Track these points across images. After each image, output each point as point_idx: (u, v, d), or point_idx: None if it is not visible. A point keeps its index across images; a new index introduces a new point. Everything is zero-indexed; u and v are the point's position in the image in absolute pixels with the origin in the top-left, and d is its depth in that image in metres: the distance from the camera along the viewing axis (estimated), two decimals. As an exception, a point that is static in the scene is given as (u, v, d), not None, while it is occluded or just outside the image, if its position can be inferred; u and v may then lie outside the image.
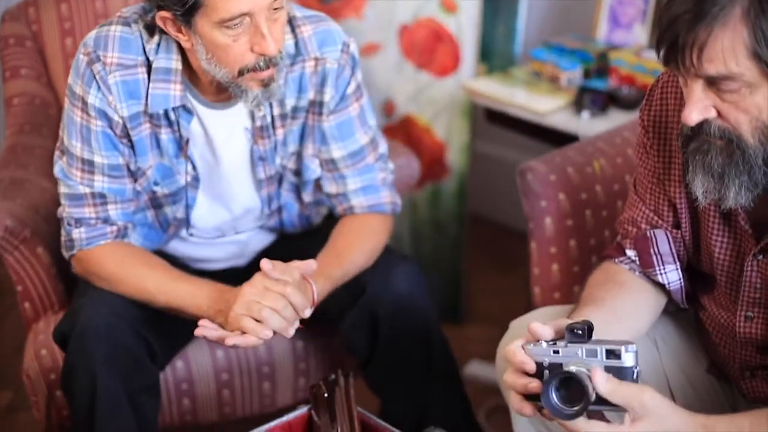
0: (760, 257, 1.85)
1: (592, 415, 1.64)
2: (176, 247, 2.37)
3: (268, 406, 2.48)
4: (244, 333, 2.04)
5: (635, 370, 1.65)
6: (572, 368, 1.64)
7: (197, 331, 2.06)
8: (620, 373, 1.64)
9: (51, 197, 2.51)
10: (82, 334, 2.12)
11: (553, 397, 1.63)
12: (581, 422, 1.62)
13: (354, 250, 2.27)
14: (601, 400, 1.63)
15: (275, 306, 2.04)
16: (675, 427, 1.61)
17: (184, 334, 2.34)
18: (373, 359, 2.32)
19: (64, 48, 2.75)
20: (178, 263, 2.33)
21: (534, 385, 1.67)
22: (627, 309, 1.94)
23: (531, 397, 1.70)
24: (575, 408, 1.62)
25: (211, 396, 2.42)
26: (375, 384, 2.38)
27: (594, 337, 1.70)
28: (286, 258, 2.35)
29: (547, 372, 1.68)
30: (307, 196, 2.36)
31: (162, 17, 2.06)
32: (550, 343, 1.69)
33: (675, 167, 1.93)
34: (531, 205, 2.42)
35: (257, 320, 2.03)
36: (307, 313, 2.09)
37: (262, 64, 2.07)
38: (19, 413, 2.89)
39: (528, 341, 1.71)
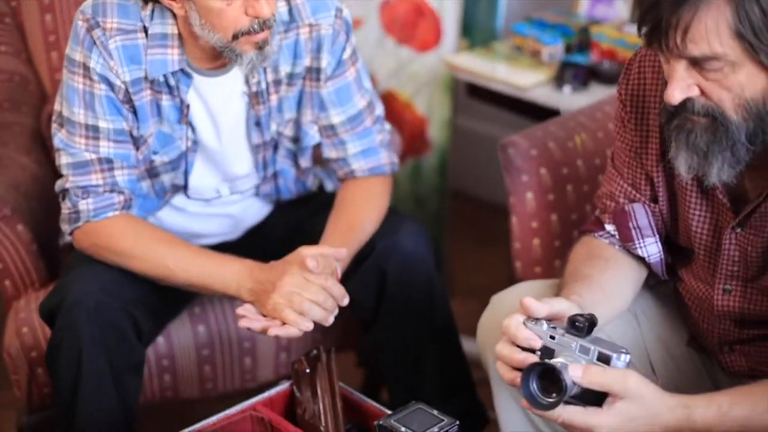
0: (738, 230, 1.85)
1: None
2: (169, 220, 2.36)
3: (250, 382, 2.48)
4: (284, 323, 2.05)
5: None
6: (557, 361, 1.63)
7: (242, 322, 2.07)
8: None
9: (31, 174, 2.50)
10: (70, 311, 2.11)
11: (533, 385, 1.63)
12: (558, 410, 1.62)
13: (365, 220, 2.29)
14: (580, 396, 1.64)
15: (317, 299, 2.05)
16: (654, 409, 1.61)
17: (172, 313, 2.35)
18: (378, 317, 2.34)
19: (44, 24, 2.73)
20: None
21: (532, 359, 1.68)
22: (613, 285, 1.95)
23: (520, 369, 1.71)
24: (551, 399, 1.62)
25: (192, 372, 2.41)
26: (377, 345, 2.40)
27: (594, 330, 1.69)
28: (281, 232, 2.36)
29: (539, 353, 1.68)
30: (305, 162, 2.37)
31: None
32: (551, 326, 1.69)
33: (652, 141, 1.93)
34: (512, 179, 2.42)
35: (298, 312, 2.04)
36: (345, 301, 2.10)
37: (256, 26, 2.07)
38: (0, 392, 2.89)
39: (529, 318, 1.72)
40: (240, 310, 2.08)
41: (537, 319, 1.70)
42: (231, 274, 2.13)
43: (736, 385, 1.73)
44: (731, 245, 1.87)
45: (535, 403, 1.63)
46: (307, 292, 2.05)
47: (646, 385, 1.61)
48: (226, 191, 2.34)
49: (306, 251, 2.10)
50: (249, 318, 2.08)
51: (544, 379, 1.63)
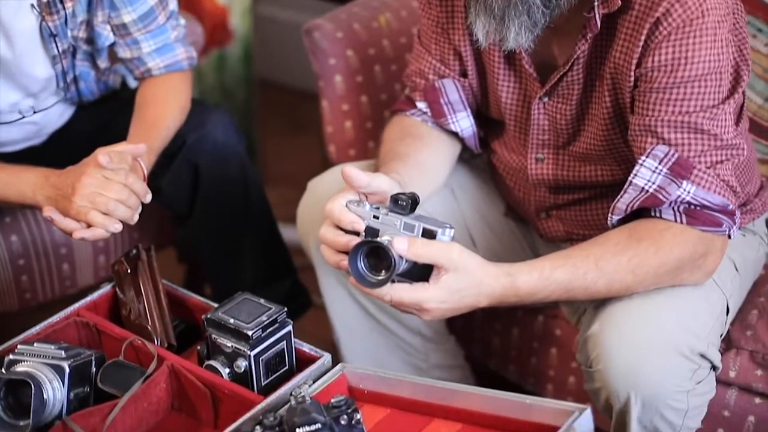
0: (546, 99, 1.90)
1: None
2: (-30, 133, 2.27)
3: (70, 288, 2.44)
4: (89, 226, 1.99)
5: None
6: (383, 239, 1.64)
7: (46, 211, 1.99)
8: None
9: None
10: None
11: (361, 265, 1.64)
12: (385, 288, 1.64)
13: (167, 117, 2.24)
14: (408, 273, 1.66)
15: (120, 197, 1.99)
16: (478, 278, 1.65)
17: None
18: (194, 212, 2.32)
19: None
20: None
21: (356, 241, 1.69)
22: (429, 162, 1.98)
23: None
24: (380, 277, 1.63)
25: (8, 283, 2.36)
26: (194, 240, 2.39)
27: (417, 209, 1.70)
28: (86, 133, 2.29)
29: (363, 234, 1.69)
30: (103, 63, 2.30)
31: None
32: (374, 206, 1.70)
33: (457, 14, 1.94)
34: (319, 63, 2.41)
35: (104, 213, 1.99)
36: (148, 198, 2.05)
37: None
38: None
39: (351, 201, 1.72)
40: (46, 212, 2.02)
41: (359, 201, 1.71)
42: (25, 183, 2.06)
43: (555, 251, 1.78)
44: (540, 115, 1.91)
45: (364, 282, 1.64)
46: (109, 192, 2.00)
47: (470, 256, 1.64)
48: (29, 111, 2.26)
49: (100, 149, 2.05)
50: (54, 210, 2.01)
51: (372, 258, 1.64)
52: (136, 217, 2.02)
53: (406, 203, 1.67)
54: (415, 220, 1.67)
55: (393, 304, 1.65)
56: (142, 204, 2.03)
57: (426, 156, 1.97)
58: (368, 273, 1.64)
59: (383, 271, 1.63)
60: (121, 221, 1.99)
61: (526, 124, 1.95)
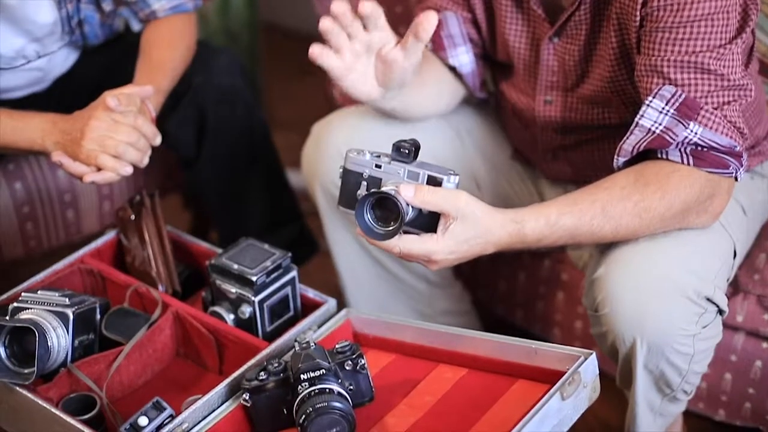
0: (555, 40, 1.88)
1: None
2: (-27, 81, 2.26)
3: (75, 235, 2.44)
4: (99, 169, 1.98)
5: None
6: (389, 188, 1.61)
7: (55, 156, 1.98)
8: None
9: None
10: None
11: (367, 217, 1.60)
12: (393, 240, 1.60)
13: (173, 58, 2.23)
14: (415, 223, 1.62)
15: (129, 140, 1.98)
16: (485, 226, 1.63)
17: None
18: (201, 154, 2.32)
19: None
20: (-24, 98, 2.23)
21: None
22: (429, 82, 1.96)
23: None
24: (389, 228, 1.59)
25: (13, 231, 2.35)
26: (201, 184, 2.39)
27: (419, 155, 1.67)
28: (90, 78, 2.27)
29: (364, 184, 1.67)
30: (107, 6, 2.28)
31: None
32: (374, 155, 1.66)
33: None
34: (323, 5, 2.39)
35: (113, 156, 1.98)
36: (158, 140, 2.04)
37: None
38: None
39: (352, 150, 1.69)
40: (55, 156, 2.01)
41: (359, 150, 1.68)
42: (33, 128, 2.05)
43: (561, 194, 1.76)
44: (549, 56, 1.89)
45: (372, 234, 1.60)
46: (118, 134, 1.99)
47: (477, 204, 1.62)
48: (33, 56, 2.24)
49: (108, 93, 2.04)
50: (64, 154, 2.00)
51: (378, 209, 1.60)
52: (146, 160, 2.01)
53: (408, 150, 1.64)
54: (419, 167, 1.64)
55: (402, 255, 1.63)
56: (152, 147, 2.02)
57: (428, 77, 1.95)
58: (375, 225, 1.60)
59: (391, 223, 1.59)
60: (131, 164, 1.98)
61: (534, 67, 1.94)
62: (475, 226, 1.61)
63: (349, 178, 1.68)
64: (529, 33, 1.92)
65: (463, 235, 1.61)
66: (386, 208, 1.59)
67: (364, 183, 1.67)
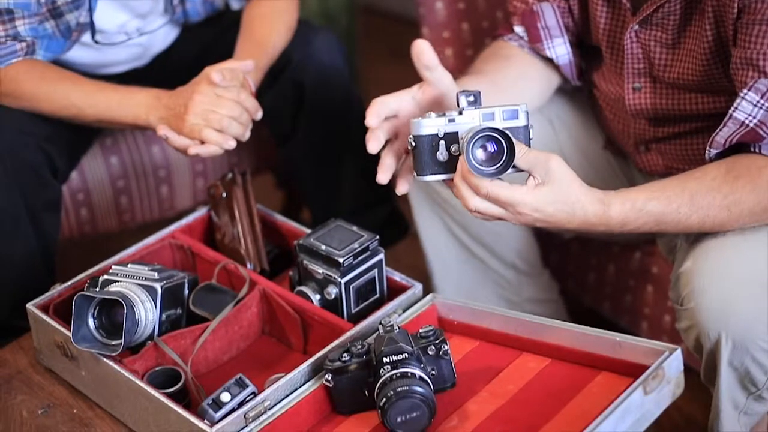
0: (637, 28, 1.85)
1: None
2: (76, 55, 2.29)
3: (168, 210, 2.47)
4: (203, 143, 2.01)
5: (529, 129, 1.65)
6: (499, 126, 1.60)
7: (160, 130, 2.01)
8: (515, 134, 1.62)
9: None
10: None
11: (475, 155, 1.58)
12: (486, 182, 1.59)
13: (273, 35, 2.24)
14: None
15: (232, 114, 2.01)
16: (574, 197, 1.62)
17: (83, 147, 2.30)
18: (296, 130, 2.33)
19: None
20: (78, 72, 2.26)
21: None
22: (509, 81, 1.94)
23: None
24: (496, 166, 1.58)
25: (108, 204, 2.39)
26: (295, 160, 2.39)
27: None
28: (189, 54, 2.29)
29: (442, 144, 1.66)
30: (210, -17, 2.31)
31: None
32: (439, 114, 1.66)
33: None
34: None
35: (217, 130, 2.00)
36: (259, 115, 2.06)
37: None
38: None
39: (416, 116, 1.70)
40: (160, 131, 2.03)
41: (422, 116, 1.67)
42: (137, 104, 2.07)
43: (652, 183, 1.74)
44: (633, 44, 1.87)
45: (480, 172, 1.59)
46: (221, 109, 2.01)
47: (567, 169, 1.61)
48: (135, 33, 2.27)
49: (211, 68, 2.05)
50: (168, 129, 2.03)
51: (481, 150, 1.59)
52: (248, 134, 2.04)
53: (475, 97, 1.64)
54: (489, 108, 1.64)
55: (488, 197, 1.61)
56: (253, 121, 2.04)
57: (506, 75, 1.94)
58: (480, 165, 1.59)
59: (498, 162, 1.58)
60: (234, 138, 2.00)
61: (621, 54, 1.91)
62: (563, 192, 1.60)
63: (423, 144, 1.67)
64: (614, 18, 1.90)
65: (551, 197, 1.60)
66: (485, 150, 1.59)
67: (442, 142, 1.66)
